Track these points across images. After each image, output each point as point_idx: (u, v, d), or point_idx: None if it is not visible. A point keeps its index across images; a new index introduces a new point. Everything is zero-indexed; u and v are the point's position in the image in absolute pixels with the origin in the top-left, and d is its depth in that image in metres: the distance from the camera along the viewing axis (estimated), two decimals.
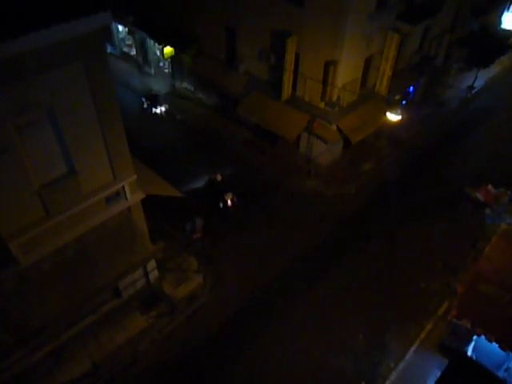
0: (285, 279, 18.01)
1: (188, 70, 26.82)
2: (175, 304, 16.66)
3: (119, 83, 27.20)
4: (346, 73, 20.26)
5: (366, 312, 16.95)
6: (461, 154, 24.77)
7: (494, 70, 30.69)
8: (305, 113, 21.69)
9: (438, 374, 14.01)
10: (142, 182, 14.03)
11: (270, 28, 20.82)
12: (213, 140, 24.68)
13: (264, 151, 24.00)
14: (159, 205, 17.29)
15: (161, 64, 29.35)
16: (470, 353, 14.99)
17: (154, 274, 16.94)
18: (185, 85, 28.08)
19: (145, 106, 26.34)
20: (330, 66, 19.55)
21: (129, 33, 29.07)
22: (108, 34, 29.56)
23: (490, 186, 21.04)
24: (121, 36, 31.05)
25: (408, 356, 15.74)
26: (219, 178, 20.93)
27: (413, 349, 15.94)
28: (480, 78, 29.38)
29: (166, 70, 29.16)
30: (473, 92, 29.27)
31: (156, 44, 27.59)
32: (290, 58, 20.19)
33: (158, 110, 26.11)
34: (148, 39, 28.07)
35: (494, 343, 12.90)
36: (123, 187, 13.30)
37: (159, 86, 28.79)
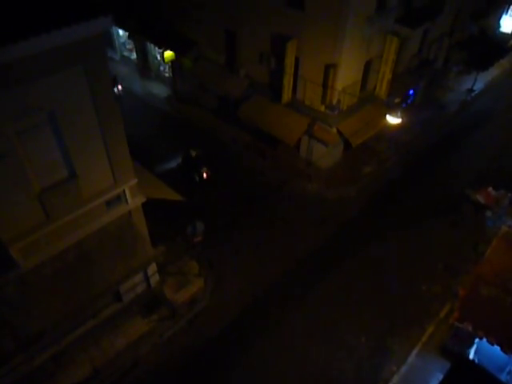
0: (286, 282, 17.98)
1: (188, 74, 26.86)
2: (176, 308, 16.63)
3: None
4: (346, 76, 20.29)
5: (368, 315, 16.91)
6: (461, 156, 24.80)
7: (494, 72, 30.80)
8: (305, 116, 21.72)
9: (441, 377, 13.91)
10: (142, 185, 14.03)
11: (270, 32, 20.87)
12: (213, 143, 24.74)
13: (265, 155, 24.02)
14: (160, 208, 17.28)
15: (161, 68, 29.44)
16: (472, 356, 14.95)
17: (154, 278, 16.91)
18: (185, 88, 28.12)
19: None
20: (329, 69, 19.58)
21: (129, 37, 29.14)
22: (108, 39, 29.66)
23: (490, 189, 21.05)
24: (121, 40, 31.15)
25: (410, 359, 15.69)
26: (193, 153, 22.17)
27: (415, 352, 15.90)
28: (480, 81, 29.44)
29: (167, 74, 29.24)
30: (472, 95, 29.31)
31: (156, 48, 27.69)
32: (290, 62, 20.23)
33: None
34: (148, 43, 28.16)
35: (496, 346, 12.86)
36: (124, 191, 13.29)
37: (160, 90, 28.86)
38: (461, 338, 14.83)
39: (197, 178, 21.89)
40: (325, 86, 20.23)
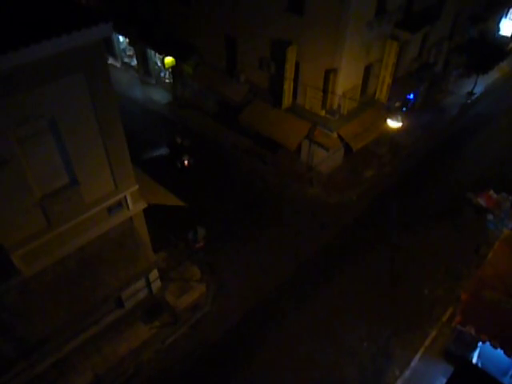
0: (287, 287, 17.94)
1: (189, 80, 26.95)
2: (178, 314, 16.60)
3: (120, 94, 27.32)
4: (346, 80, 20.33)
5: (370, 319, 16.86)
6: (462, 159, 24.80)
7: (494, 76, 30.84)
8: (305, 121, 21.76)
9: (444, 381, 13.86)
10: (143, 191, 14.05)
11: (269, 37, 20.95)
12: (213, 148, 24.78)
13: (265, 159, 24.04)
14: (161, 214, 17.30)
15: (162, 74, 29.53)
16: (475, 360, 14.88)
17: (156, 284, 16.90)
18: (186, 94, 28.21)
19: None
20: (330, 73, 19.63)
21: (129, 43, 29.27)
22: (109, 45, 29.79)
23: (491, 192, 21.01)
24: (122, 47, 31.27)
25: (413, 363, 15.62)
26: (179, 140, 22.74)
27: (418, 356, 15.83)
28: (479, 84, 29.48)
29: (167, 80, 29.33)
30: (472, 98, 29.36)
31: (157, 54, 27.80)
32: (290, 67, 20.29)
33: None
34: (149, 50, 28.26)
35: (499, 350, 12.80)
36: (125, 197, 13.32)
37: (160, 96, 28.94)
38: (464, 341, 14.77)
39: (178, 165, 22.37)
40: (325, 90, 20.28)
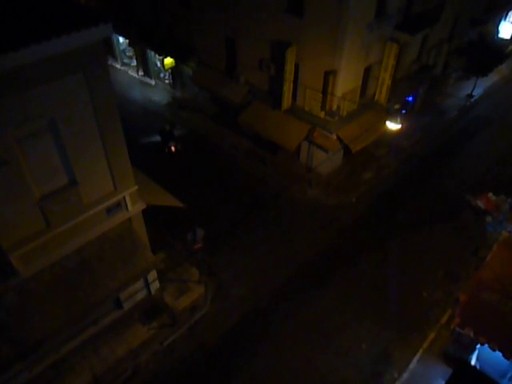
0: (286, 288, 17.93)
1: (188, 81, 26.96)
2: (176, 315, 16.57)
3: (119, 94, 27.33)
4: (346, 82, 20.35)
5: (368, 321, 16.85)
6: (461, 161, 24.82)
7: (493, 78, 30.91)
8: (305, 122, 21.78)
9: (442, 383, 13.88)
10: (142, 192, 14.04)
11: (269, 38, 20.97)
12: (213, 150, 24.77)
13: (265, 161, 24.05)
14: (160, 215, 17.28)
15: (161, 75, 29.57)
16: (473, 362, 14.87)
17: (155, 285, 16.88)
18: (185, 95, 28.22)
19: None
20: (329, 75, 19.64)
21: (129, 44, 29.29)
22: (109, 46, 29.80)
23: (490, 194, 20.95)
24: (121, 47, 31.31)
25: (412, 366, 15.61)
26: (168, 127, 23.54)
27: (416, 358, 15.82)
28: (479, 87, 29.54)
29: (167, 81, 29.36)
30: (472, 100, 29.40)
31: (156, 55, 27.82)
32: (289, 68, 20.31)
33: None
34: (148, 50, 28.29)
35: (497, 352, 12.79)
36: (124, 198, 13.30)
37: (160, 97, 28.94)
38: (462, 343, 14.77)
39: (166, 150, 23.44)
40: (324, 92, 20.28)
